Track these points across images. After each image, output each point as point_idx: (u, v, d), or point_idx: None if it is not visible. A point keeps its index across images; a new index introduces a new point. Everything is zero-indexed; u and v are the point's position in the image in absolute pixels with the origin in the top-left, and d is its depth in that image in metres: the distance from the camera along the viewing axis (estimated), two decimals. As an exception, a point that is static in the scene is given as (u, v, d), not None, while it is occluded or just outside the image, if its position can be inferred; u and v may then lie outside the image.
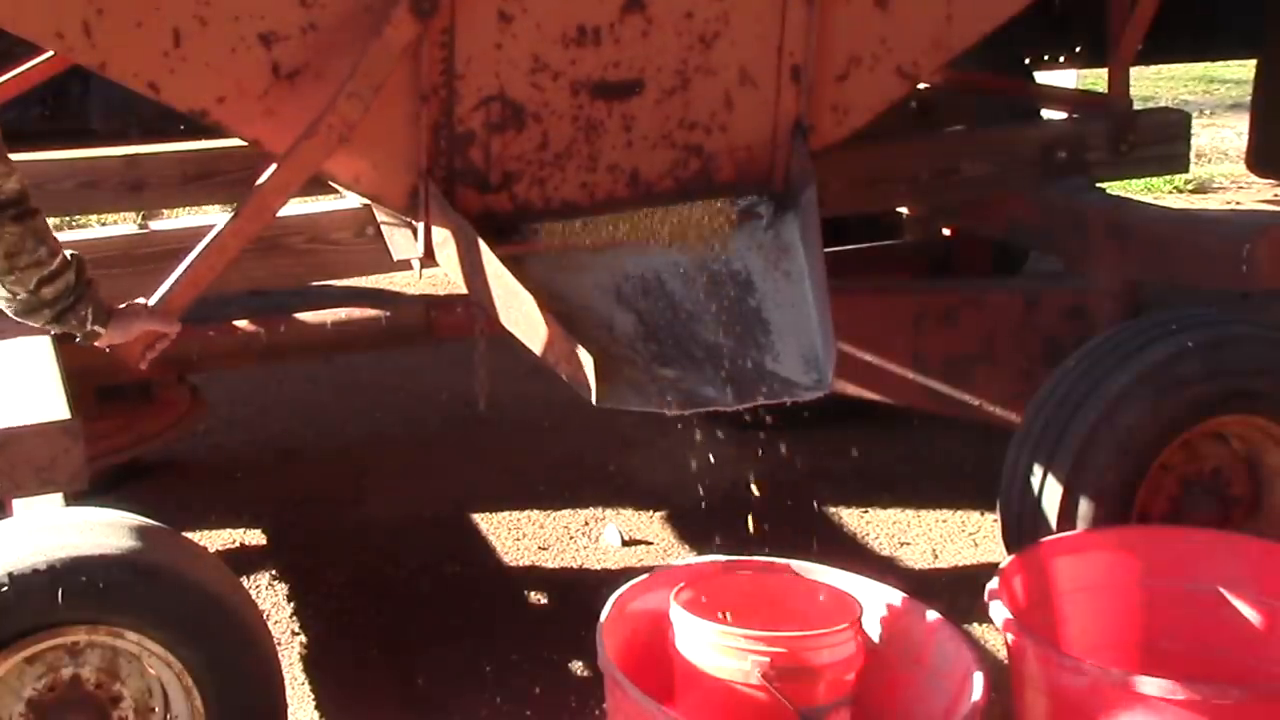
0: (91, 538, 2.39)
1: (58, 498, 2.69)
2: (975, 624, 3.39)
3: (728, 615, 2.69)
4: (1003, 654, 3.11)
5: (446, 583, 3.71)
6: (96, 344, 2.51)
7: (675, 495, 4.11)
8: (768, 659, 2.47)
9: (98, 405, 3.35)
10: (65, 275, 2.37)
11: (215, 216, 3.82)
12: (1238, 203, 7.77)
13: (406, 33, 2.58)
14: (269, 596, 3.69)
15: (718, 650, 2.54)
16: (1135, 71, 4.18)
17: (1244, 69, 8.53)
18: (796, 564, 2.83)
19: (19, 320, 2.42)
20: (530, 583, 3.77)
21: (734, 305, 2.84)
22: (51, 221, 2.40)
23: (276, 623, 3.55)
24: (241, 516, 4.09)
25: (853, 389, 3.78)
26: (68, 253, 2.41)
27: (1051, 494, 3.06)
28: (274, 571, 3.81)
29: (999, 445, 3.29)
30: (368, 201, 3.11)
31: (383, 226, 3.24)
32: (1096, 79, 5.87)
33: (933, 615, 2.72)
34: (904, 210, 4.74)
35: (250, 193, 2.69)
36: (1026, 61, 5.46)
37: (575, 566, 3.87)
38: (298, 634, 3.54)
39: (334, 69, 2.60)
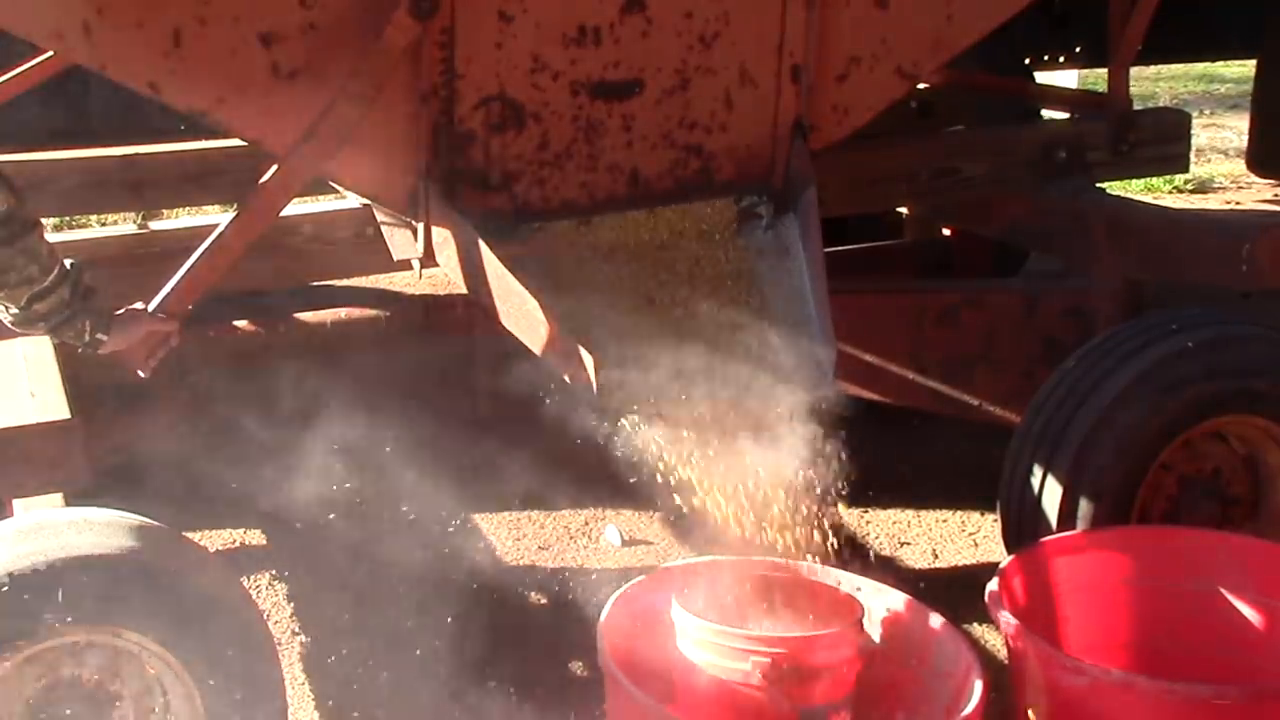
0: (91, 538, 2.38)
1: (58, 498, 2.69)
2: (975, 624, 3.39)
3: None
4: (1003, 654, 3.11)
5: (447, 583, 3.70)
6: (99, 351, 2.51)
7: (674, 495, 4.11)
8: (768, 659, 2.47)
9: (98, 405, 3.35)
10: (59, 291, 2.36)
11: (215, 216, 3.82)
12: (1238, 203, 7.77)
13: (406, 33, 2.58)
14: (269, 596, 3.69)
15: (718, 650, 2.54)
16: (1135, 71, 4.18)
17: (1244, 69, 8.54)
18: (796, 564, 2.83)
19: (18, 330, 2.43)
20: (530, 583, 3.77)
21: (734, 305, 2.84)
22: (51, 222, 2.40)
23: (276, 623, 3.55)
24: (241, 516, 4.09)
25: (853, 389, 3.79)
26: (67, 262, 2.40)
27: (1051, 494, 3.07)
28: (274, 571, 3.81)
29: (999, 445, 3.29)
30: (368, 201, 3.11)
31: (383, 226, 3.24)
32: (1096, 79, 5.87)
33: (933, 615, 2.72)
34: (904, 210, 4.74)
35: (252, 194, 2.69)
36: (1026, 61, 5.46)
37: (575, 566, 3.87)
38: (298, 634, 3.54)
39: (334, 69, 2.60)
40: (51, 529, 2.40)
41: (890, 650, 2.72)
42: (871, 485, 4.21)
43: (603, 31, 2.74)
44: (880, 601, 2.78)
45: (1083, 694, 2.51)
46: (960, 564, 3.91)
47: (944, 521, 4.12)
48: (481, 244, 2.66)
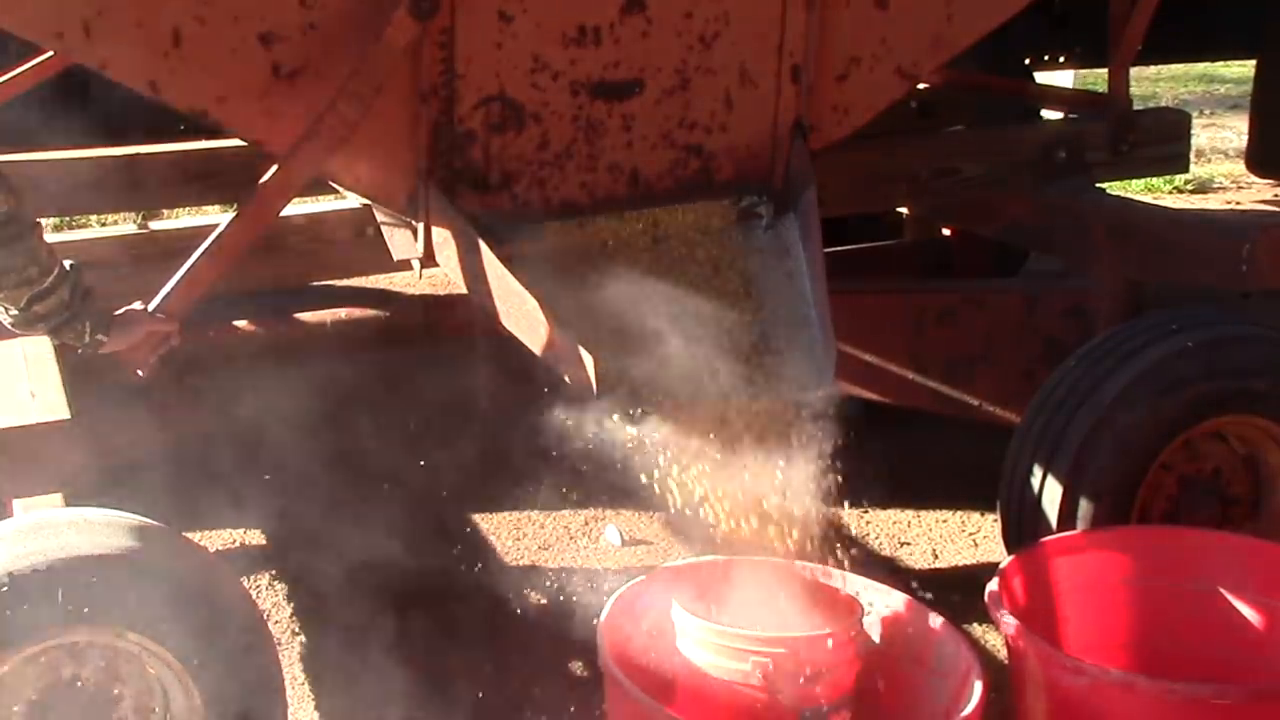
0: (91, 538, 2.38)
1: (58, 498, 2.69)
2: (975, 624, 3.39)
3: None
4: (1003, 654, 3.11)
5: (447, 583, 3.71)
6: (99, 351, 2.51)
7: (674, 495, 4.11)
8: (768, 659, 2.47)
9: (98, 405, 3.35)
10: (58, 292, 2.36)
11: (215, 217, 3.82)
12: (1238, 203, 7.77)
13: (406, 33, 2.58)
14: (269, 596, 3.69)
15: (718, 650, 2.54)
16: (1135, 71, 4.18)
17: (1244, 69, 8.53)
18: (796, 564, 2.83)
19: (18, 331, 2.43)
20: (530, 583, 3.77)
21: (734, 305, 2.84)
22: (51, 222, 2.40)
23: (276, 623, 3.55)
24: (241, 516, 4.09)
25: (853, 389, 3.78)
26: (67, 262, 2.40)
27: (1051, 494, 3.07)
28: (274, 571, 3.81)
29: (999, 445, 3.29)
30: (368, 201, 3.11)
31: (383, 226, 3.23)
32: (1097, 79, 5.87)
33: (933, 615, 2.72)
34: (904, 210, 4.74)
35: (251, 194, 2.69)
36: (1026, 61, 5.47)
37: (575, 566, 3.87)
38: (298, 634, 3.54)
39: (334, 69, 2.60)
40: (51, 529, 2.40)
41: (890, 650, 2.72)
42: (871, 485, 4.22)
43: (603, 31, 2.74)
44: (880, 601, 2.78)
45: (1083, 694, 2.51)
46: (960, 564, 3.91)
47: (944, 521, 4.12)
48: (481, 244, 2.66)
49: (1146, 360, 3.08)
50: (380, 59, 2.59)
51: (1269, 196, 7.83)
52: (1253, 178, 7.17)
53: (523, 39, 2.69)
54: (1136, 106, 4.05)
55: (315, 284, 4.01)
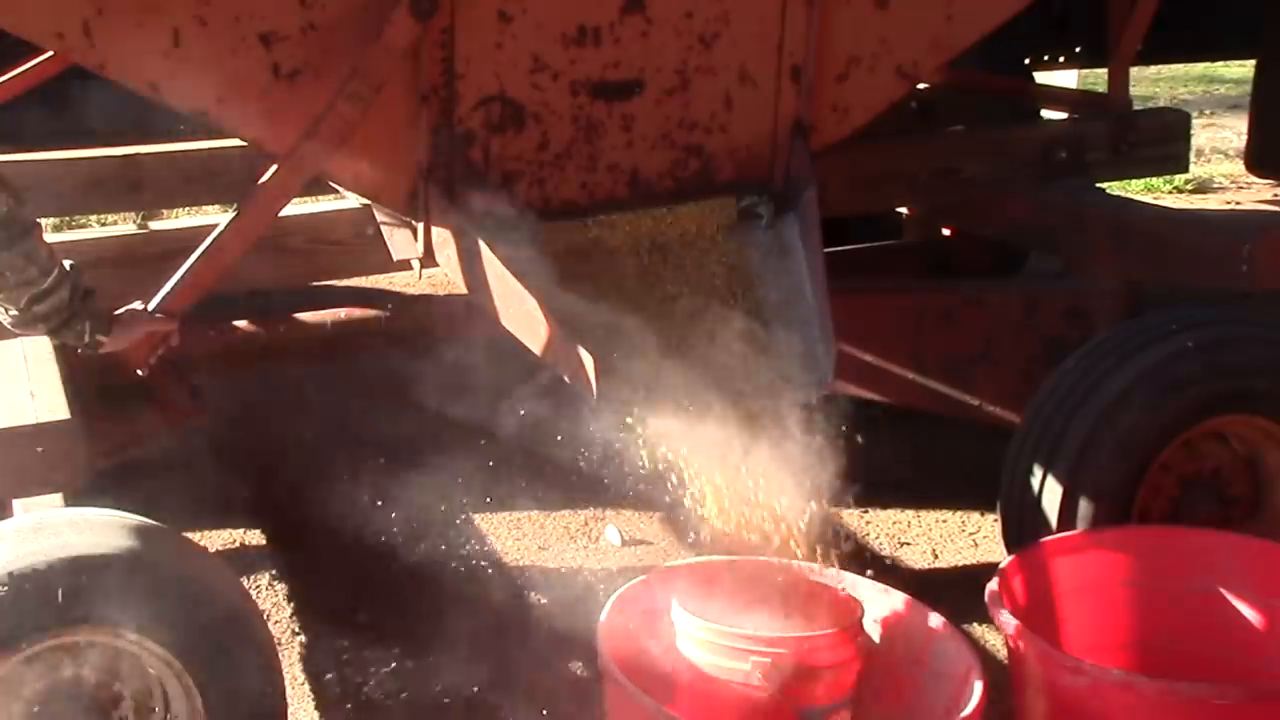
0: (91, 538, 2.38)
1: (58, 498, 2.69)
2: (975, 624, 3.39)
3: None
4: (1003, 654, 3.11)
5: (447, 583, 3.70)
6: (99, 351, 2.51)
7: (675, 495, 4.10)
8: (768, 659, 2.47)
9: (98, 405, 3.35)
10: (58, 293, 2.37)
11: (215, 217, 3.82)
12: (1238, 203, 7.77)
13: (406, 33, 2.58)
14: (269, 596, 3.69)
15: (718, 650, 2.54)
16: (1135, 71, 4.18)
17: (1244, 69, 8.53)
18: (796, 564, 2.83)
19: (18, 331, 2.43)
20: (530, 583, 3.77)
21: (734, 305, 2.84)
22: (51, 222, 2.40)
23: (276, 623, 3.55)
24: (241, 516, 4.09)
25: (853, 389, 3.78)
26: (67, 263, 2.40)
27: (1051, 494, 3.06)
28: (274, 571, 3.81)
29: (999, 445, 3.29)
30: (368, 201, 3.11)
31: (383, 226, 3.24)
32: (1097, 79, 5.88)
33: (933, 616, 2.72)
34: (904, 210, 4.74)
35: (251, 194, 2.69)
36: (1026, 61, 5.47)
37: (575, 566, 3.86)
38: (298, 634, 3.54)
39: (334, 69, 2.60)
40: (51, 529, 2.40)
41: (890, 650, 2.72)
42: (871, 485, 4.22)
43: (603, 31, 2.74)
44: (880, 601, 2.77)
45: (1083, 694, 2.51)
46: (960, 564, 3.90)
47: (944, 521, 4.12)
48: (481, 244, 2.66)
49: (1146, 360, 3.08)
50: (380, 59, 2.59)
51: (1269, 196, 7.83)
52: (1253, 178, 7.17)
53: (523, 39, 2.69)
54: (1136, 106, 4.05)
55: (315, 284, 4.00)
